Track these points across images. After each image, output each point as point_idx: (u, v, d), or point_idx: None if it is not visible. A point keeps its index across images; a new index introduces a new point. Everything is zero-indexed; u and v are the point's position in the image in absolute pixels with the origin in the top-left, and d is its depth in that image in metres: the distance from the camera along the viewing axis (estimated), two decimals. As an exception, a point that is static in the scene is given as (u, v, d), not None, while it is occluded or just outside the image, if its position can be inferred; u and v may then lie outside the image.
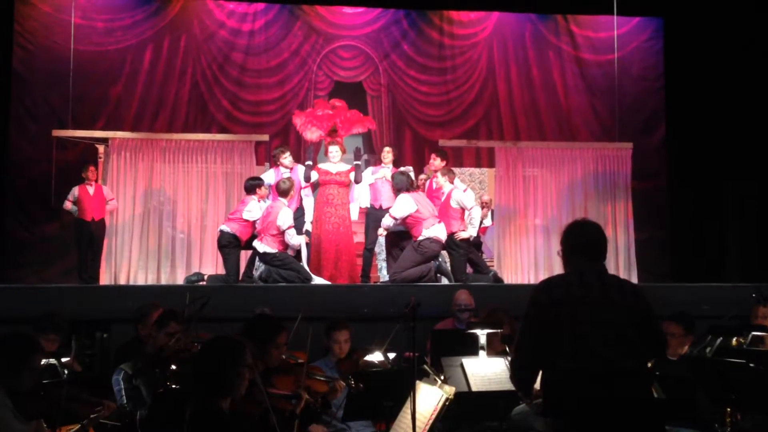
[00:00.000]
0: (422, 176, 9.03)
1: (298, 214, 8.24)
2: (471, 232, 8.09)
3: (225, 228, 7.82)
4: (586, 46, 11.02)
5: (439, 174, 8.24)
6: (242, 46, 10.58)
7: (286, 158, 8.37)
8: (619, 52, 10.61)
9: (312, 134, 8.65)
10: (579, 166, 10.15)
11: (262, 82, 10.63)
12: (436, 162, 8.46)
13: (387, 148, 8.68)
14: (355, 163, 8.37)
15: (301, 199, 8.37)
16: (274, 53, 10.62)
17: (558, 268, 3.24)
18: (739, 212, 10.24)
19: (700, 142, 10.36)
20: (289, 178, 7.94)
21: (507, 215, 9.89)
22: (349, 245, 8.19)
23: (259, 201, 7.85)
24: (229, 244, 7.79)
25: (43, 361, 4.07)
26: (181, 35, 10.45)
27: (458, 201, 7.96)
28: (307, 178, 8.26)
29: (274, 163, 8.53)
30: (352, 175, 8.22)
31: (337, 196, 8.12)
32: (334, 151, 8.24)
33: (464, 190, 8.25)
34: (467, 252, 8.05)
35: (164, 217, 9.60)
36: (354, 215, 8.49)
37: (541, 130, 10.91)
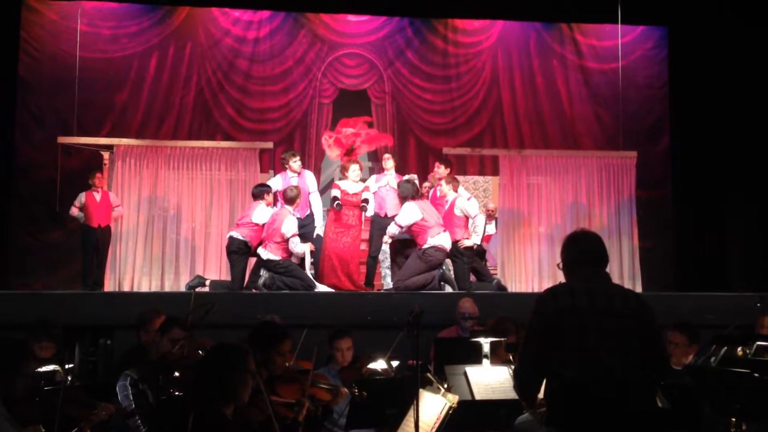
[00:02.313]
0: (426, 184, 9.03)
1: (308, 221, 8.25)
2: (475, 240, 8.08)
3: (235, 234, 7.83)
4: (591, 54, 11.02)
5: (443, 182, 8.25)
6: (247, 54, 10.61)
7: (296, 162, 8.37)
8: (623, 60, 10.61)
9: (332, 152, 8.73)
10: (583, 175, 10.15)
11: (266, 90, 10.65)
12: (441, 170, 8.47)
13: (387, 155, 8.67)
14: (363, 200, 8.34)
15: (310, 204, 8.37)
16: (278, 61, 10.65)
17: (562, 277, 3.23)
18: (743, 221, 10.20)
19: (705, 151, 10.34)
20: (296, 186, 7.95)
21: (511, 223, 9.88)
22: (355, 254, 8.22)
23: (267, 206, 7.86)
24: (238, 251, 7.80)
25: (43, 368, 4.08)
26: (186, 43, 10.48)
27: (462, 209, 7.96)
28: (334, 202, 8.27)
29: (282, 167, 8.53)
30: (364, 194, 8.23)
31: (351, 217, 8.15)
32: (356, 170, 8.25)
33: (468, 198, 8.25)
34: (471, 260, 8.04)
35: (168, 224, 9.62)
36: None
37: (545, 138, 10.91)
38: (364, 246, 8.69)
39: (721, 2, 9.91)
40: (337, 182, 8.43)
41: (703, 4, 10.09)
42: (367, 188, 8.30)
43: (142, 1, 10.33)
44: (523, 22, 11.02)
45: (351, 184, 8.21)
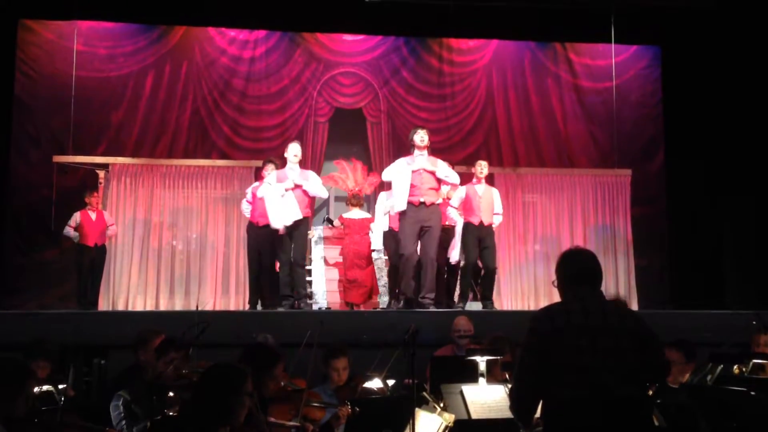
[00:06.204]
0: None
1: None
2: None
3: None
4: (585, 73, 11.10)
5: (484, 168, 8.15)
6: (243, 73, 10.66)
7: (270, 171, 8.15)
8: (617, 79, 10.69)
9: (350, 181, 8.88)
10: (578, 192, 10.19)
11: (262, 109, 10.68)
12: (485, 170, 8.18)
13: (423, 130, 7.63)
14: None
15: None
16: (274, 80, 10.70)
17: (557, 295, 3.23)
18: (738, 238, 10.22)
19: (699, 168, 10.39)
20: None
21: (506, 241, 9.89)
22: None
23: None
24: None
25: (40, 388, 4.05)
26: (182, 62, 10.52)
27: (498, 199, 8.08)
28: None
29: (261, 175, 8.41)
30: (372, 226, 8.34)
31: (360, 241, 8.29)
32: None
33: None
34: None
35: (163, 242, 9.60)
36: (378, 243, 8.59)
37: (540, 157, 10.95)
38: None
39: (713, 22, 10.00)
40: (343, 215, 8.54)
41: (695, 24, 10.19)
42: (372, 219, 8.37)
43: (139, 20, 10.38)
44: (518, 41, 11.10)
45: (355, 212, 8.38)
